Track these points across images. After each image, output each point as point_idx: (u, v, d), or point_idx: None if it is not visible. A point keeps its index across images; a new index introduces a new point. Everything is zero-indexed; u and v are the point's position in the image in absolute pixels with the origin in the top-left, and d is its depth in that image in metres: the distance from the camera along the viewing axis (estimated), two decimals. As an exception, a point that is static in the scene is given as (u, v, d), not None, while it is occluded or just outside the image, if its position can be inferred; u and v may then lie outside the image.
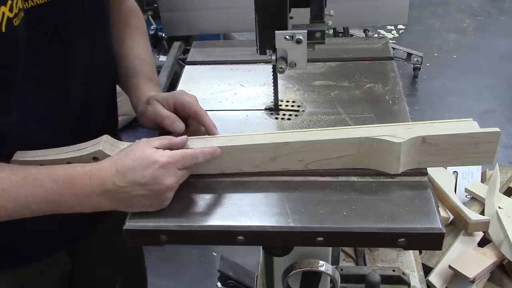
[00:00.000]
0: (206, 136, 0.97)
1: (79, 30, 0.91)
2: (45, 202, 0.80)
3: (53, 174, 0.81)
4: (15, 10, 0.76)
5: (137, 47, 1.12)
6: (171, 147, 0.86)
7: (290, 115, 1.09)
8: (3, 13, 0.74)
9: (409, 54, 3.67)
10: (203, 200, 0.89)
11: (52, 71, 0.88)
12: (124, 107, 1.17)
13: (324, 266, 0.96)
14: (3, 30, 0.75)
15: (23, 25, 0.79)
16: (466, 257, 1.75)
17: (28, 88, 0.84)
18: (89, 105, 0.98)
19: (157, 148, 0.83)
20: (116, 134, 1.09)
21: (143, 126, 1.01)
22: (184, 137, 0.89)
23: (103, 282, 1.24)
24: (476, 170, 2.13)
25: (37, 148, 0.88)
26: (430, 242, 0.82)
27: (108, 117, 1.09)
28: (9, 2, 0.75)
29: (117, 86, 1.12)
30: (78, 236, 1.08)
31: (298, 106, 1.11)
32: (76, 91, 0.94)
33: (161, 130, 1.01)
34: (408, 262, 1.66)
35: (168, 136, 0.89)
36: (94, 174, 0.80)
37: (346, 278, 1.25)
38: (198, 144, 0.92)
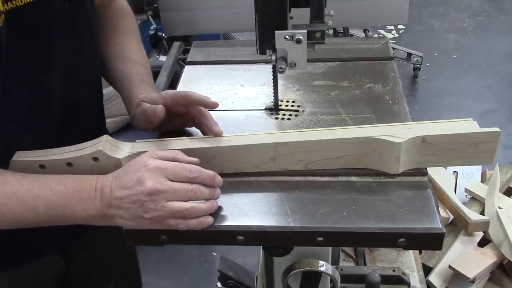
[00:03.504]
0: (206, 136, 0.97)
1: (61, 31, 0.90)
2: (53, 205, 0.79)
3: (63, 179, 0.81)
4: None
5: (128, 49, 1.11)
6: (174, 160, 0.84)
7: (290, 115, 1.09)
8: None
9: (409, 54, 3.66)
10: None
11: (33, 73, 0.87)
12: (123, 107, 1.17)
13: (324, 266, 0.96)
14: None
15: (3, 27, 0.78)
16: (466, 257, 1.75)
17: (10, 91, 0.83)
18: (73, 107, 0.97)
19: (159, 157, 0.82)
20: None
21: (137, 129, 1.01)
22: (194, 159, 0.86)
23: (96, 283, 1.24)
24: (476, 170, 2.13)
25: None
26: (430, 242, 0.82)
27: (93, 118, 1.09)
28: None
29: (112, 89, 1.11)
30: (72, 236, 1.08)
31: (298, 106, 1.11)
32: (59, 92, 0.93)
33: (155, 130, 1.00)
34: (408, 262, 1.66)
35: (175, 151, 0.86)
36: (100, 178, 0.81)
37: (346, 278, 1.25)
38: (197, 145, 0.92)
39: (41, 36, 0.87)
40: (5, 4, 0.78)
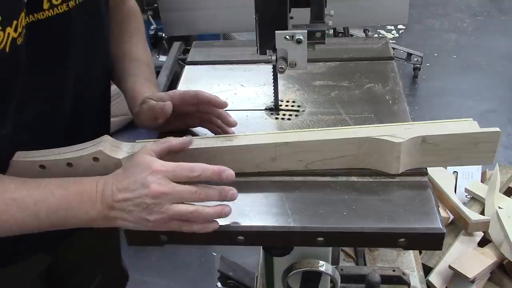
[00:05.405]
0: (206, 136, 0.97)
1: (79, 41, 0.91)
2: (54, 209, 0.78)
3: (64, 182, 0.81)
4: (19, 30, 0.76)
5: (136, 49, 1.11)
6: (170, 150, 0.85)
7: (290, 115, 1.09)
8: (9, 34, 0.73)
9: (409, 54, 3.66)
10: (203, 200, 0.89)
11: (49, 83, 0.88)
12: (124, 107, 1.17)
13: (324, 266, 0.96)
14: (7, 50, 0.74)
15: (24, 41, 0.78)
16: (466, 257, 1.75)
17: (23, 99, 0.84)
18: (81, 112, 0.97)
19: (158, 155, 0.81)
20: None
21: (139, 126, 1.01)
22: (186, 138, 0.87)
23: (82, 278, 1.24)
24: (476, 170, 2.13)
25: None
26: (430, 242, 0.82)
27: (99, 123, 1.09)
28: (15, 22, 0.74)
29: (114, 88, 1.12)
30: (61, 237, 1.08)
31: (298, 106, 1.11)
32: (69, 100, 0.94)
33: (159, 129, 1.01)
34: (408, 262, 1.66)
35: (166, 138, 0.86)
36: (100, 180, 0.80)
37: (346, 278, 1.25)
38: (197, 145, 0.92)
39: (59, 48, 0.87)
40: (27, 17, 0.79)
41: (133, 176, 0.78)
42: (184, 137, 0.87)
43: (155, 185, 0.76)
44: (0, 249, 0.97)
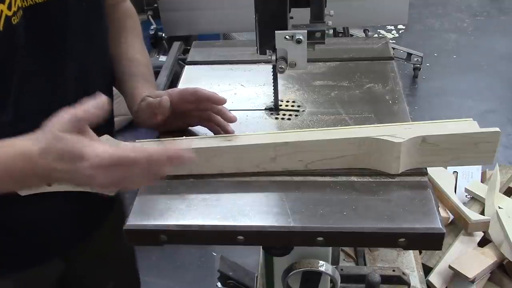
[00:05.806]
0: (206, 136, 0.98)
1: (77, 29, 0.91)
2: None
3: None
4: (13, 9, 0.75)
5: (132, 49, 1.11)
6: (85, 115, 0.75)
7: (290, 115, 1.09)
8: (1, 11, 0.73)
9: (409, 54, 3.67)
10: (203, 200, 0.89)
11: (48, 71, 0.88)
12: (124, 107, 1.17)
13: (324, 266, 0.96)
14: (1, 28, 0.74)
15: (21, 24, 0.78)
16: (466, 257, 1.75)
17: (24, 87, 0.83)
18: None
19: (76, 125, 0.74)
20: (113, 136, 1.08)
21: (139, 125, 1.00)
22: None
23: (95, 283, 1.24)
24: (476, 170, 2.13)
25: None
26: (430, 242, 0.82)
27: (104, 122, 1.09)
28: (7, 0, 0.74)
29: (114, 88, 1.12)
30: (75, 242, 1.08)
31: (298, 106, 1.11)
32: (71, 91, 0.93)
33: (158, 129, 1.00)
34: (408, 262, 1.66)
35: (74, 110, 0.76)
36: (19, 150, 0.74)
37: (346, 278, 1.25)
38: (197, 144, 0.92)
39: (56, 34, 0.87)
40: (24, 1, 0.79)
41: (66, 162, 0.71)
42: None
43: (101, 179, 0.71)
44: (16, 251, 0.97)
